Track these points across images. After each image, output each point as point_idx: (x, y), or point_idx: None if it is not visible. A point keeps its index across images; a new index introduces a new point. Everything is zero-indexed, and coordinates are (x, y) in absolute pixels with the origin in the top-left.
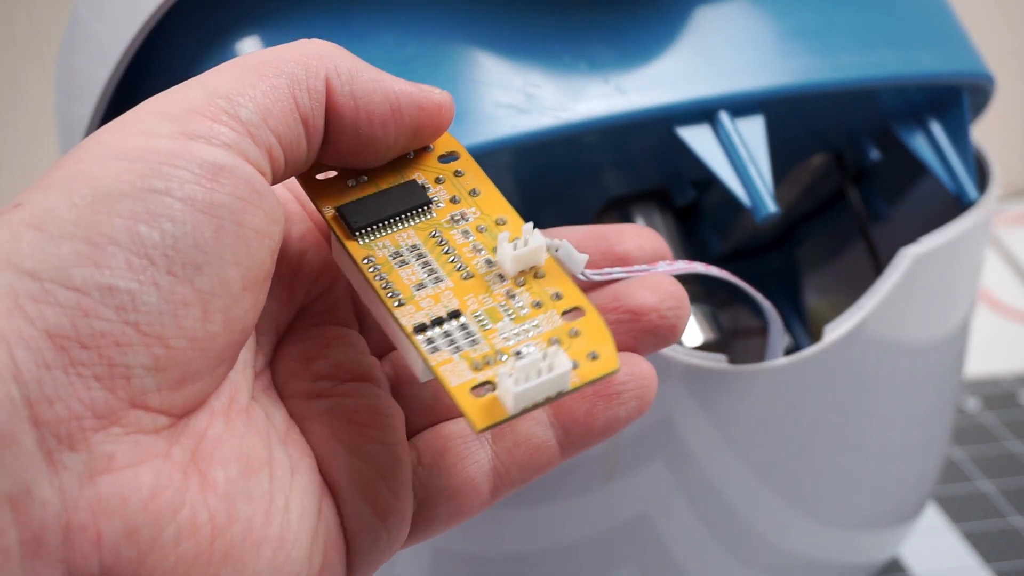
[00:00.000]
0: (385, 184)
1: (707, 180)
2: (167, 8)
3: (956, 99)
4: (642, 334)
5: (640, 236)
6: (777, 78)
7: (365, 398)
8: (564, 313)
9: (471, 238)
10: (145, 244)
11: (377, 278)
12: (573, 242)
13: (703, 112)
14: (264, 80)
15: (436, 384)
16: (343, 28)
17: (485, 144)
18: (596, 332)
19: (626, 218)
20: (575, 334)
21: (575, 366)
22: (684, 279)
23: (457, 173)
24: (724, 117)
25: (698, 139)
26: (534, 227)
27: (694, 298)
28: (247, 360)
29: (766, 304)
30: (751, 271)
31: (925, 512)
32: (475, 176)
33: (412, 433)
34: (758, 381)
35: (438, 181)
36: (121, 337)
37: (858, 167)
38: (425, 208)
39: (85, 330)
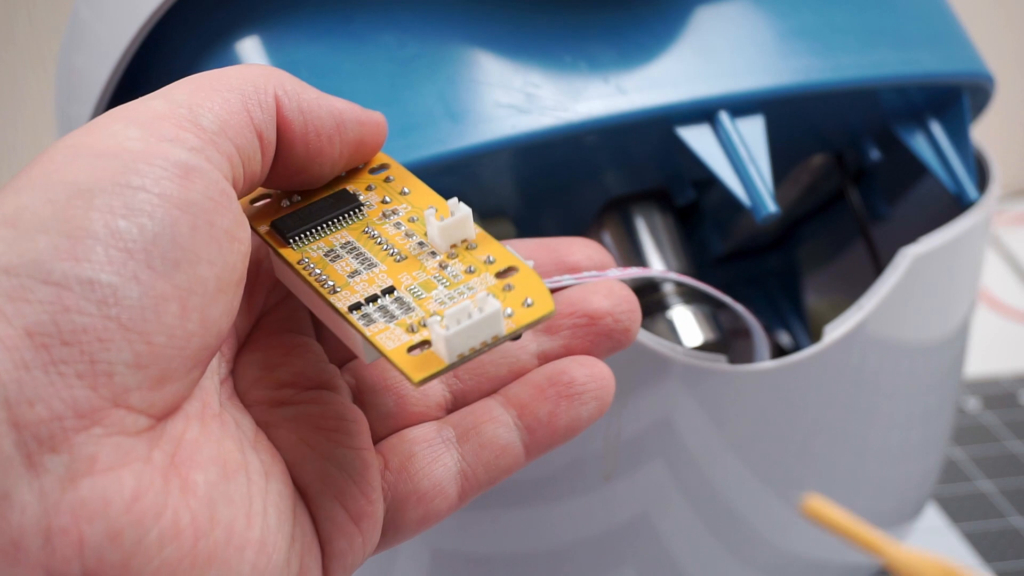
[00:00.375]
0: (317, 197)
1: (707, 180)
2: (167, 8)
3: (956, 99)
4: (598, 338)
5: (588, 248)
6: (777, 78)
7: (329, 405)
8: (498, 274)
9: (403, 228)
10: (124, 238)
11: (311, 274)
12: (522, 253)
13: (703, 112)
14: (218, 94)
15: (385, 366)
16: (343, 28)
17: (485, 144)
18: (530, 283)
19: (626, 218)
20: (509, 288)
21: (510, 314)
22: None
23: (387, 180)
24: (724, 117)
25: (698, 139)
26: (459, 201)
27: (694, 298)
28: (213, 367)
29: (738, 307)
30: (751, 271)
31: (925, 512)
32: (405, 179)
33: (376, 440)
34: (758, 381)
35: (369, 188)
36: (104, 332)
37: (858, 167)
38: (356, 211)
39: (66, 326)
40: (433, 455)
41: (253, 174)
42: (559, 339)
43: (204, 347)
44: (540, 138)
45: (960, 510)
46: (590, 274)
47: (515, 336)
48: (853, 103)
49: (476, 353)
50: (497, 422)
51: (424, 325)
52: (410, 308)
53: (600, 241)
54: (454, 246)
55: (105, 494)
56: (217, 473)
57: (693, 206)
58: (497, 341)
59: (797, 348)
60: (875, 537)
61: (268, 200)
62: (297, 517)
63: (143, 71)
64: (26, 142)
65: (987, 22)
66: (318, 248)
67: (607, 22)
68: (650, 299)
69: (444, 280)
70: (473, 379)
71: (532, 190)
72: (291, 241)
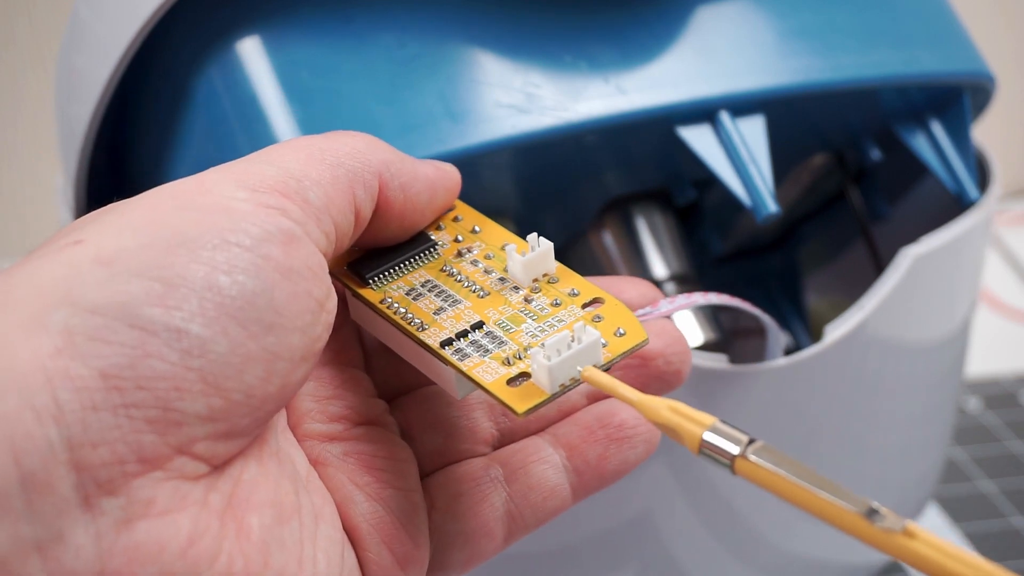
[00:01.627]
0: None
1: (708, 180)
2: (167, 8)
3: (957, 99)
4: (649, 379)
5: (640, 286)
6: (777, 78)
7: (379, 443)
8: (584, 306)
9: (480, 265)
10: (223, 294)
11: (396, 313)
12: None
13: (704, 112)
14: (330, 170)
15: (468, 402)
16: (343, 28)
17: (485, 144)
18: (618, 313)
19: (627, 218)
20: (598, 319)
21: (604, 344)
22: (684, 282)
23: (456, 219)
24: (725, 117)
25: (699, 139)
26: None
27: None
28: None
29: (765, 318)
30: (751, 271)
31: (926, 512)
32: (473, 217)
33: (423, 476)
34: (759, 381)
35: (438, 228)
36: (182, 382)
37: (859, 167)
38: (431, 250)
39: (145, 371)
40: (481, 495)
41: (342, 247)
42: None
43: (276, 410)
44: (540, 138)
45: (961, 510)
46: (644, 310)
47: (608, 367)
48: (853, 103)
49: (576, 383)
50: (546, 462)
51: (519, 357)
52: (502, 342)
53: (600, 241)
54: (536, 280)
55: (160, 538)
56: (272, 516)
57: (693, 206)
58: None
59: (798, 348)
60: (627, 390)
61: None
62: (345, 561)
63: (143, 71)
64: (26, 142)
65: (987, 22)
66: (398, 288)
67: (607, 22)
68: None
69: (531, 314)
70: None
71: (532, 190)
72: (370, 282)
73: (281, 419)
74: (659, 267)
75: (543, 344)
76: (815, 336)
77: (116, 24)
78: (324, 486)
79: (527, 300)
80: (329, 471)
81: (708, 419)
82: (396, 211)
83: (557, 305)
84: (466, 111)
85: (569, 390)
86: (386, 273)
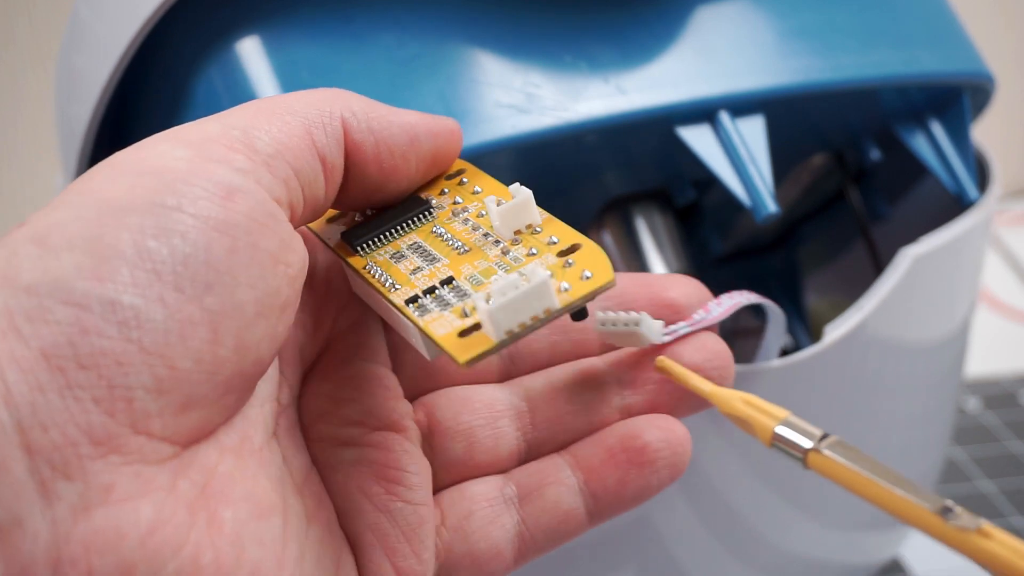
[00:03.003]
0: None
1: (707, 180)
2: (167, 8)
3: (957, 99)
4: (685, 395)
5: (686, 285)
6: (777, 78)
7: (394, 452)
8: (560, 253)
9: (470, 223)
10: (153, 259)
11: (373, 275)
12: (620, 289)
13: (703, 112)
14: (278, 118)
15: (494, 409)
16: (343, 28)
17: (485, 144)
18: (591, 256)
19: (626, 218)
20: (570, 265)
21: (567, 288)
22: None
23: (461, 183)
24: (724, 117)
25: (698, 139)
26: (521, 185)
27: None
28: (269, 393)
29: (778, 314)
30: (751, 271)
31: None
32: (478, 179)
33: (438, 488)
34: (758, 381)
35: (443, 193)
36: (123, 356)
37: (859, 167)
38: (426, 214)
39: (84, 348)
40: (493, 515)
41: (315, 198)
42: (644, 394)
43: (238, 373)
44: (540, 138)
45: None
46: (698, 316)
47: (575, 311)
48: (853, 103)
49: (528, 329)
50: (562, 485)
51: (477, 309)
52: (466, 295)
53: (600, 241)
54: (518, 232)
55: (119, 525)
56: (248, 512)
57: (693, 206)
58: (550, 315)
59: (797, 348)
60: (700, 381)
61: (343, 218)
62: (341, 567)
63: (143, 71)
64: (26, 142)
65: (987, 22)
66: (384, 252)
67: (607, 22)
68: None
69: (505, 265)
70: (550, 428)
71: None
72: (359, 249)
73: (286, 417)
74: (659, 267)
75: (490, 290)
76: (815, 336)
77: (116, 24)
78: (323, 491)
79: (504, 252)
80: (338, 477)
81: (781, 412)
82: (369, 155)
83: (533, 255)
84: (466, 111)
85: (520, 337)
86: (375, 239)
